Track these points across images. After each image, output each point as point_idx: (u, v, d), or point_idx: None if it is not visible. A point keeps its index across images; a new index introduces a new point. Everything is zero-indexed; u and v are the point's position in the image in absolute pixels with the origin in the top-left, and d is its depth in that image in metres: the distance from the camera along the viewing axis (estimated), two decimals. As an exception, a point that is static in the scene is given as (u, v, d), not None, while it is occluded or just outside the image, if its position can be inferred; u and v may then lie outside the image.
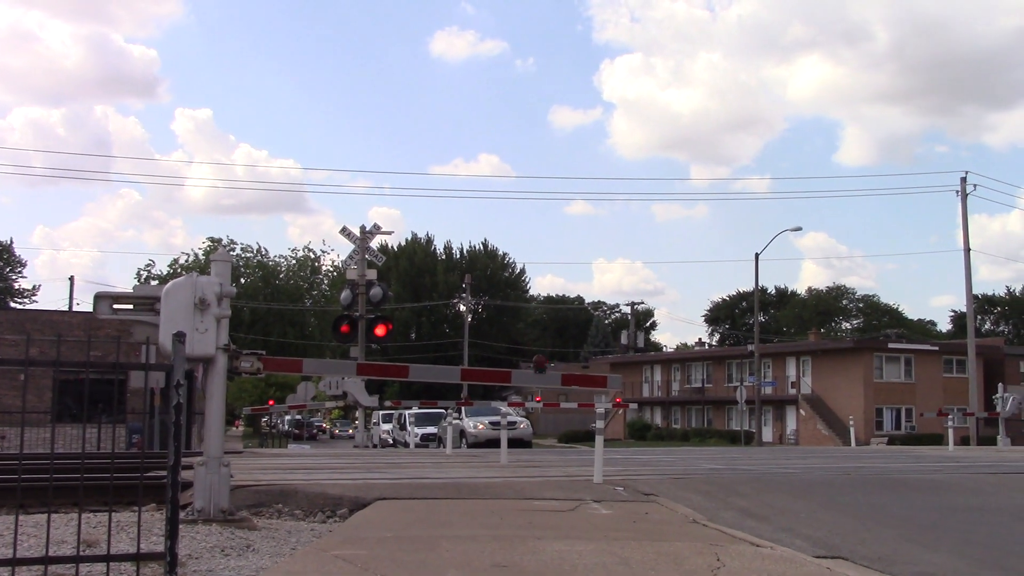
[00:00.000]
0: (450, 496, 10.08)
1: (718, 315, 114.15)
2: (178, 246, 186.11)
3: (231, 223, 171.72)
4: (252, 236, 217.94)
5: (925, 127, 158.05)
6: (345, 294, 28.81)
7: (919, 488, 12.75)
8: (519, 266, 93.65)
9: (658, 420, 70.11)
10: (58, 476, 10.66)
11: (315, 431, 74.11)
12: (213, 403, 8.52)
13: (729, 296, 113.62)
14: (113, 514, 6.92)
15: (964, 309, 51.66)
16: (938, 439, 43.82)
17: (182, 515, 7.52)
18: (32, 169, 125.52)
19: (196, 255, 78.88)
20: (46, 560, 5.86)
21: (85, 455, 7.30)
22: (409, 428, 42.05)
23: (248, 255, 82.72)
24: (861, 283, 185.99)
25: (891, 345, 60.52)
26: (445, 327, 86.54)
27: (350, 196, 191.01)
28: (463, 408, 34.32)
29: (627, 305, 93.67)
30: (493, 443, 29.17)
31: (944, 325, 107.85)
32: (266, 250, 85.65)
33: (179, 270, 76.58)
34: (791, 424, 59.13)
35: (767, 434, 58.40)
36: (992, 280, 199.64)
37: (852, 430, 35.05)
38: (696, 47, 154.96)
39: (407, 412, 43.24)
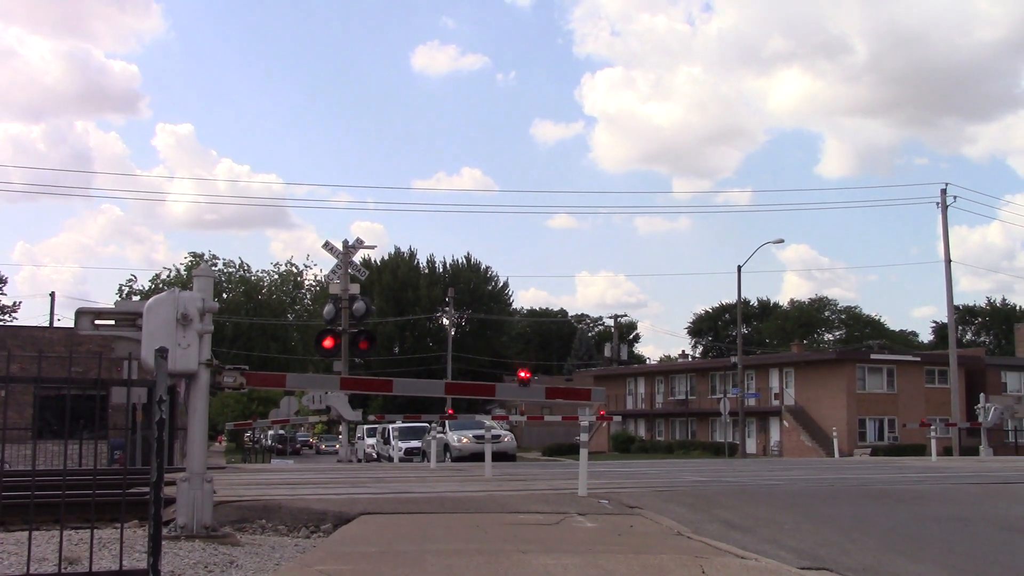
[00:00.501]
0: (435, 510, 10.05)
1: (701, 327, 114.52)
2: (160, 261, 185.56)
3: (213, 238, 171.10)
4: (234, 251, 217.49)
5: (905, 139, 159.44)
6: (328, 308, 28.77)
7: (902, 499, 12.80)
8: (502, 279, 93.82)
9: (642, 432, 70.11)
10: (39, 493, 10.57)
11: (299, 446, 73.81)
12: (196, 418, 8.48)
13: (712, 308, 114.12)
14: (95, 531, 6.87)
15: (945, 320, 51.98)
16: (921, 450, 43.97)
17: (165, 531, 7.48)
18: (12, 185, 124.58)
19: (178, 270, 78.70)
20: (27, 578, 5.82)
21: (67, 472, 7.25)
22: (393, 442, 41.84)
23: (230, 270, 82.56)
24: (843, 295, 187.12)
25: (873, 356, 60.77)
26: (428, 341, 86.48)
27: (332, 211, 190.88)
28: (447, 422, 34.24)
29: (610, 318, 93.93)
30: (477, 457, 29.07)
31: (926, 336, 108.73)
32: (248, 265, 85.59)
33: (161, 285, 76.28)
34: (775, 436, 59.26)
35: (751, 446, 58.49)
36: (973, 291, 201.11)
37: (835, 441, 35.25)
38: (677, 60, 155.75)
39: (391, 426, 43.07)
